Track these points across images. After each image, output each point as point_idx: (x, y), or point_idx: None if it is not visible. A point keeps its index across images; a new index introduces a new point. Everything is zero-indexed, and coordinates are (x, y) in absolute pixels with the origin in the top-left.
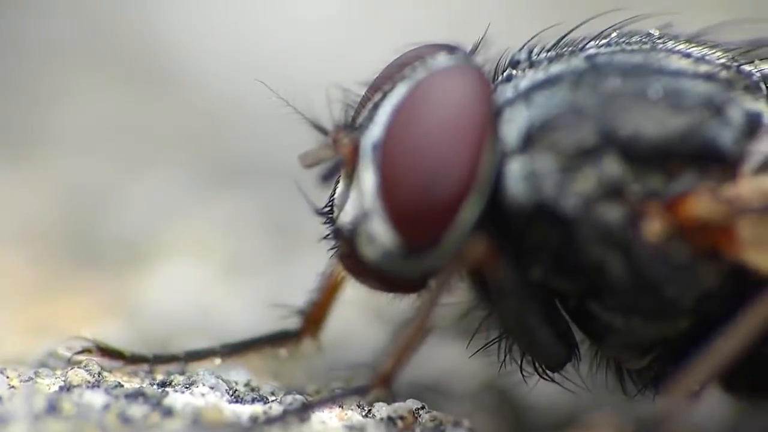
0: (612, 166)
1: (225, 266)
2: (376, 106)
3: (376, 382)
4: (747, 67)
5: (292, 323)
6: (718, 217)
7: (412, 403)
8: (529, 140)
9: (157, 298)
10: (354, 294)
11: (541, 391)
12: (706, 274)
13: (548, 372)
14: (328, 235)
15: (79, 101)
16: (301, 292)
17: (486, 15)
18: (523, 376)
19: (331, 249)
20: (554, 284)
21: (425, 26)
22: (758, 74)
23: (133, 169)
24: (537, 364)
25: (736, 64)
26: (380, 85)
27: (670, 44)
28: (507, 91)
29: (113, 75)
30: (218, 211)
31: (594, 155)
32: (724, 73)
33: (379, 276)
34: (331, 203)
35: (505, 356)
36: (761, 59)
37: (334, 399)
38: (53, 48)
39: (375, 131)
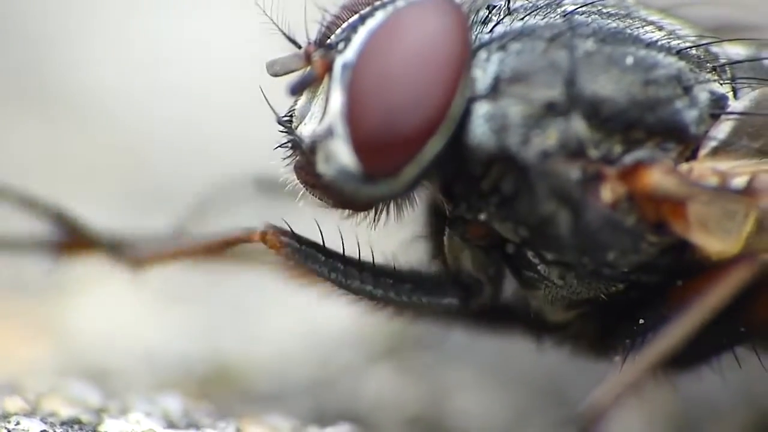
0: (575, 126)
1: (156, 292)
2: (352, 28)
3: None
4: (714, 48)
5: None
6: (671, 193)
7: (345, 428)
8: (499, 87)
9: (90, 324)
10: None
11: (472, 422)
12: (649, 245)
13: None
14: (285, 143)
15: None
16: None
17: None
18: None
19: (286, 158)
20: (499, 229)
21: None
22: (724, 57)
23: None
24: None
25: (704, 43)
26: (357, 7)
27: (644, 13)
28: (483, 34)
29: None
30: None
31: (560, 112)
32: (694, 51)
33: (331, 193)
34: (291, 114)
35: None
36: (727, 41)
37: None
38: None
39: (348, 53)
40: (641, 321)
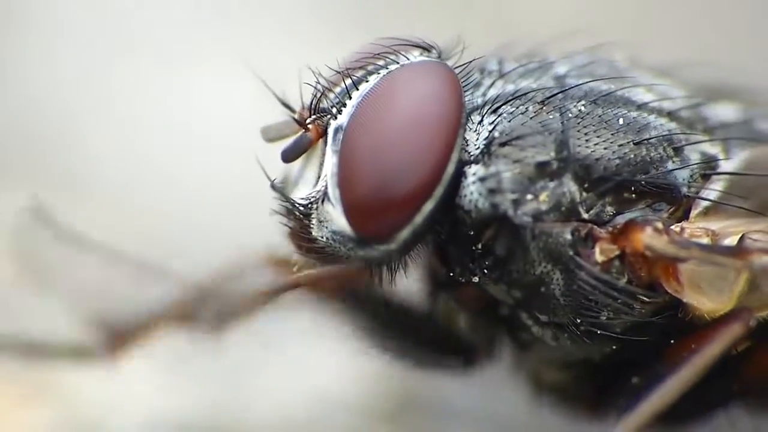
0: (568, 188)
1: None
2: (346, 93)
3: None
4: (706, 109)
5: None
6: (663, 253)
7: None
8: (492, 150)
9: (89, 387)
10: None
11: None
12: (642, 304)
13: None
14: (279, 210)
15: None
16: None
17: None
18: None
19: (282, 224)
20: (492, 291)
21: None
22: (716, 119)
23: None
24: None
25: (696, 104)
26: (351, 72)
27: (636, 75)
28: (475, 97)
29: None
30: None
31: (551, 174)
32: (685, 113)
33: (326, 258)
34: (285, 179)
35: None
36: (719, 103)
37: None
38: None
39: (342, 118)
40: (635, 380)
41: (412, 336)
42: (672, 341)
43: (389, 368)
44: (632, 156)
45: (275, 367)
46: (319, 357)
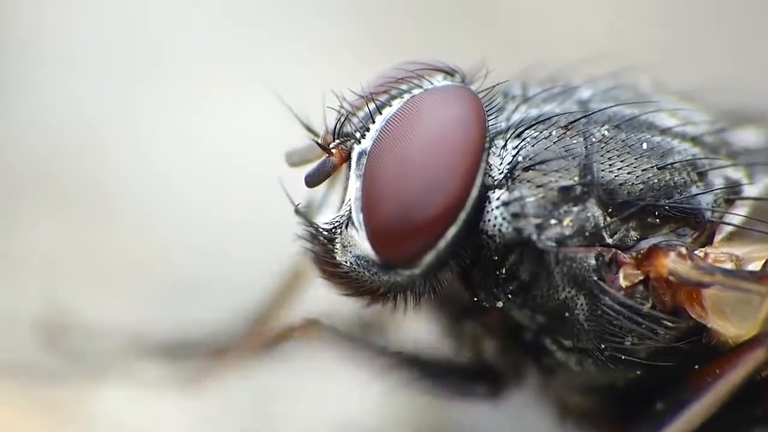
0: (592, 212)
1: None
2: (370, 117)
3: None
4: (730, 135)
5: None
6: (687, 279)
7: None
8: (515, 174)
9: (116, 414)
10: None
11: None
12: (666, 330)
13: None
14: (303, 235)
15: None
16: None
17: None
18: None
19: (305, 250)
20: (516, 316)
21: None
22: (740, 143)
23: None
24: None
25: (720, 129)
26: (375, 96)
27: (659, 99)
28: (499, 122)
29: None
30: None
31: (575, 199)
32: (709, 138)
33: (350, 283)
34: (308, 204)
35: None
36: (743, 128)
37: None
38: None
39: (366, 142)
40: (659, 406)
41: (439, 366)
42: (696, 366)
43: (417, 398)
44: (656, 181)
45: (305, 397)
46: (347, 386)
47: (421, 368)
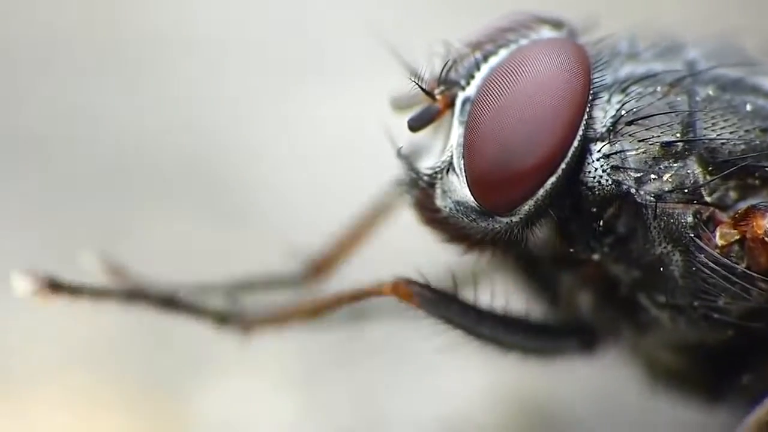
0: (692, 170)
1: (278, 377)
2: (475, 65)
3: None
4: None
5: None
6: None
7: None
8: (617, 128)
9: (217, 414)
10: None
11: None
12: (760, 291)
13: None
14: (403, 180)
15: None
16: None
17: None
18: None
19: (406, 194)
20: (612, 270)
21: None
22: None
23: None
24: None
25: None
26: (481, 45)
27: (765, 63)
28: (604, 76)
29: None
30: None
31: (676, 155)
32: None
33: (448, 228)
34: (411, 149)
35: None
36: None
37: None
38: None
39: (470, 89)
40: (746, 379)
41: (532, 322)
42: None
43: (521, 386)
44: (758, 142)
45: (408, 388)
46: (450, 376)
47: (515, 325)
